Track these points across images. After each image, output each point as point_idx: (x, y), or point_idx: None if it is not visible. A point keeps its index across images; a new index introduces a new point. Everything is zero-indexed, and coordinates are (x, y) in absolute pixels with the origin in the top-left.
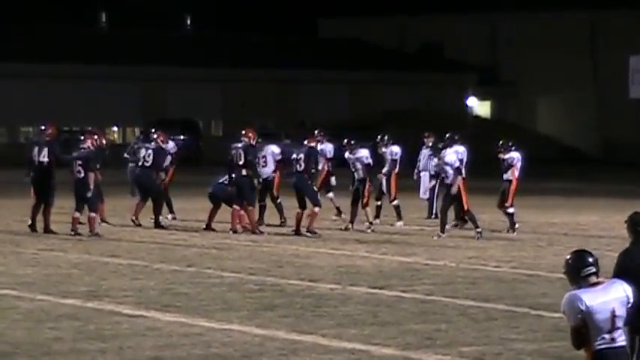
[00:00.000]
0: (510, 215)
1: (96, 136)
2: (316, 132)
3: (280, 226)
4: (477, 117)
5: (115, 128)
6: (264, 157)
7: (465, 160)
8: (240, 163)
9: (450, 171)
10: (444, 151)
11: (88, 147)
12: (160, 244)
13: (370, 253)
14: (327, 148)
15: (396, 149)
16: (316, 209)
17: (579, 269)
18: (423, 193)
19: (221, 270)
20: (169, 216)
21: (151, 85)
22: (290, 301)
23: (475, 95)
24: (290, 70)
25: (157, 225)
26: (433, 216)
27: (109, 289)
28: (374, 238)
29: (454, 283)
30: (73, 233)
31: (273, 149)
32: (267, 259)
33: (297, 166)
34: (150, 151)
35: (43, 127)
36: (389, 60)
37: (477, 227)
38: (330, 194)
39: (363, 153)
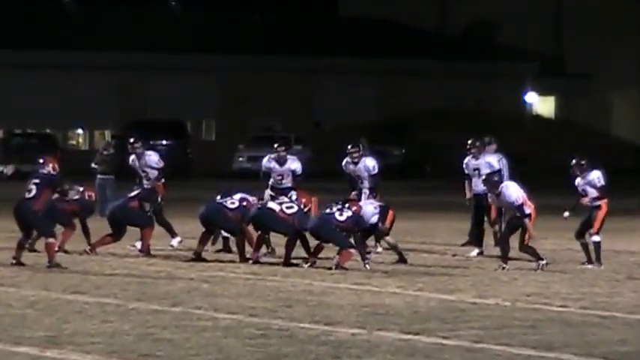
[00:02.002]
0: (597, 244)
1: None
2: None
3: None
4: (538, 116)
5: (80, 131)
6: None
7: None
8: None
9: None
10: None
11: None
12: (137, 277)
13: (402, 289)
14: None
15: (371, 163)
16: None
17: None
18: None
19: (214, 310)
20: (174, 241)
21: (126, 76)
22: (302, 349)
23: (535, 89)
24: (302, 57)
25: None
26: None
27: (73, 335)
28: (407, 270)
29: (509, 326)
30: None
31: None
32: (273, 296)
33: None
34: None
35: None
36: (426, 45)
37: (539, 259)
38: None
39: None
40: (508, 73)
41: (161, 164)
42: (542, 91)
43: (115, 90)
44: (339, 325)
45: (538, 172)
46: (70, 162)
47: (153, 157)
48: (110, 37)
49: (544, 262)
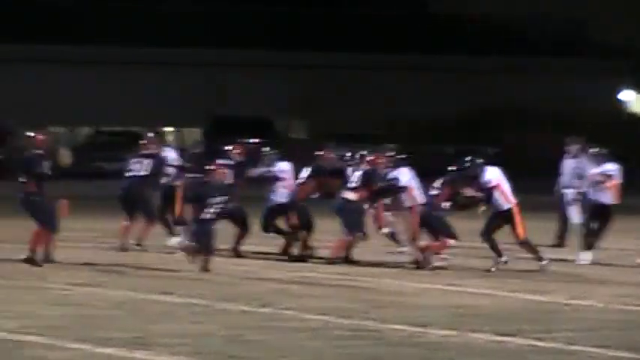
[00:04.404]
0: None
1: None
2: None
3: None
4: (633, 115)
5: (170, 129)
6: None
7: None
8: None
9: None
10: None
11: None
12: (226, 277)
13: (495, 290)
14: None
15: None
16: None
17: None
18: (578, 217)
19: (303, 311)
20: (172, 240)
21: (210, 73)
22: (392, 351)
23: (631, 87)
24: (383, 55)
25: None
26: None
27: (161, 335)
28: (500, 271)
29: (603, 328)
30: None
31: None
32: (364, 297)
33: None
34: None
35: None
36: (511, 41)
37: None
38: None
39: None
40: (601, 70)
41: (180, 162)
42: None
43: (200, 87)
44: (430, 327)
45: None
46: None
47: (172, 155)
48: (195, 34)
49: (503, 259)
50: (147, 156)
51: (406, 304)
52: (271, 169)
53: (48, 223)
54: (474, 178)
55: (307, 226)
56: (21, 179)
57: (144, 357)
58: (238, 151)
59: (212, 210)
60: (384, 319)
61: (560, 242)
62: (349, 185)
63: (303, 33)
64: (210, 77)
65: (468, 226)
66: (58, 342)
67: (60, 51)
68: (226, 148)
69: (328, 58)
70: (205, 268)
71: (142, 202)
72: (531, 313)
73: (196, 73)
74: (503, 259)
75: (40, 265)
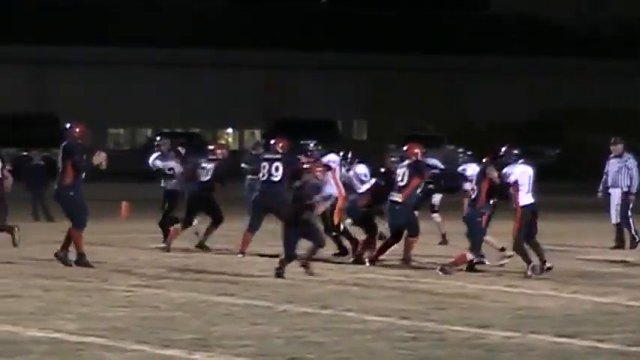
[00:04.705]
0: None
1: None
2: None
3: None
4: None
5: (230, 130)
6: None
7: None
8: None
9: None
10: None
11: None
12: (287, 279)
13: (557, 292)
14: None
15: (362, 170)
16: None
17: None
18: (615, 217)
19: (365, 313)
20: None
21: (271, 75)
22: (453, 353)
23: None
24: (451, 55)
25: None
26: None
27: (222, 337)
28: (561, 272)
29: None
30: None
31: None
32: (425, 298)
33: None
34: (277, 164)
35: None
36: (580, 44)
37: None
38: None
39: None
40: None
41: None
42: None
43: (260, 89)
44: (491, 328)
45: None
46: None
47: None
48: (256, 36)
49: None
50: (213, 161)
51: (467, 306)
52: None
53: (77, 219)
54: (502, 167)
55: (371, 230)
56: (58, 167)
57: (204, 359)
58: (281, 145)
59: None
60: (445, 320)
61: (619, 244)
62: (397, 185)
63: (367, 35)
64: (270, 79)
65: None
66: (118, 343)
67: (121, 53)
68: (271, 142)
69: (393, 60)
70: (310, 272)
71: (209, 205)
72: (592, 314)
73: (257, 75)
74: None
75: (70, 265)
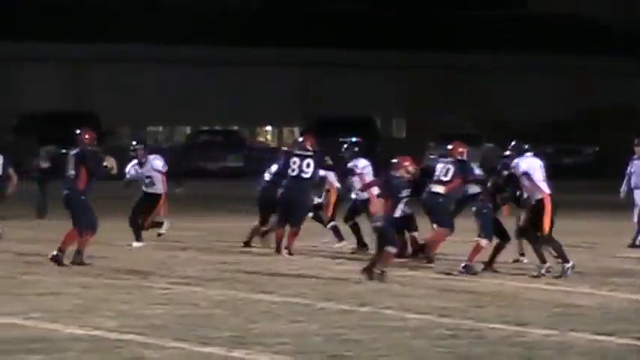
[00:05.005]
0: None
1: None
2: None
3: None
4: None
5: (269, 128)
6: None
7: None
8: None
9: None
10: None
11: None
12: (325, 276)
13: (595, 290)
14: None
15: (363, 163)
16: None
17: None
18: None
19: (404, 310)
20: (340, 244)
21: (308, 72)
22: (492, 350)
23: None
24: (488, 55)
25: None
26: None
27: (261, 335)
28: (599, 270)
29: None
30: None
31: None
32: (464, 296)
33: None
34: (308, 160)
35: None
36: (611, 42)
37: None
38: None
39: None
40: None
41: (165, 169)
42: None
43: (298, 87)
44: (530, 326)
45: None
46: (255, 160)
47: (157, 162)
48: (294, 34)
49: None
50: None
51: (505, 303)
52: (350, 163)
53: (87, 224)
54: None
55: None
56: (71, 174)
57: (243, 356)
58: (310, 142)
59: (401, 206)
60: (484, 318)
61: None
62: (436, 178)
63: (404, 34)
64: (308, 77)
65: (562, 225)
66: (157, 341)
67: (159, 51)
68: (299, 139)
69: (431, 59)
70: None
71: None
72: (631, 312)
73: (295, 73)
74: (570, 264)
75: (66, 265)
